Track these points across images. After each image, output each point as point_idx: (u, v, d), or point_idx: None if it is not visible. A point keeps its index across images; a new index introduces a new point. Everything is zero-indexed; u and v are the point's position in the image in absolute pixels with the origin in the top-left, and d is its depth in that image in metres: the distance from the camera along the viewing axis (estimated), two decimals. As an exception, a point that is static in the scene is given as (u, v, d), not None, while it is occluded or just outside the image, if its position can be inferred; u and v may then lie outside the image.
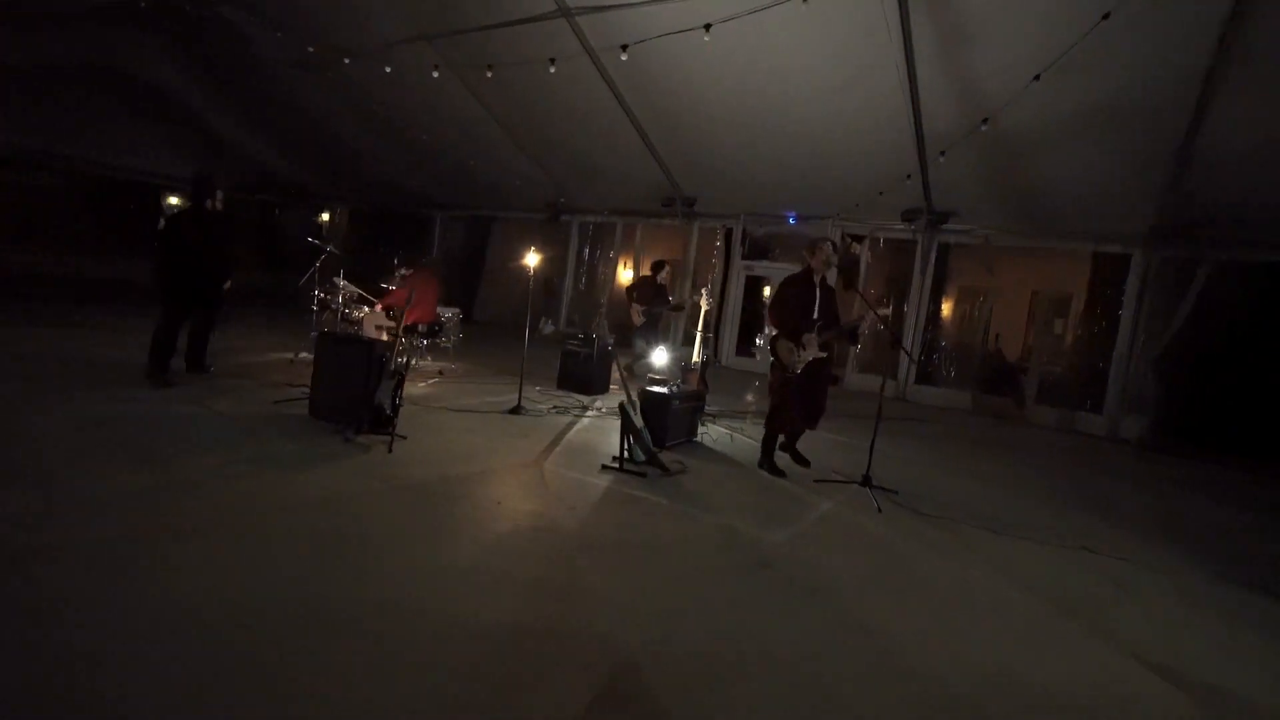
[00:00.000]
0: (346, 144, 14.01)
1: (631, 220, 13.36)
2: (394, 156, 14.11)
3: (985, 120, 7.85)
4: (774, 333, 5.10)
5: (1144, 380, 8.99)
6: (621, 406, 4.92)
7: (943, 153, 8.51)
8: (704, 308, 6.91)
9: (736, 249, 12.36)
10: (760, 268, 12.45)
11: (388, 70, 9.89)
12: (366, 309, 7.57)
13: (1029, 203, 9.55)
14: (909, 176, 9.28)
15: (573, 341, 7.67)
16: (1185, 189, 8.26)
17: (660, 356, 6.88)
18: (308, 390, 5.58)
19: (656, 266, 8.72)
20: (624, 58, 8.44)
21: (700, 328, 6.95)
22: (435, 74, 9.75)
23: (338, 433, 4.84)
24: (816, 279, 5.18)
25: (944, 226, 10.28)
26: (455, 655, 2.41)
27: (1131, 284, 9.18)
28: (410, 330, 7.48)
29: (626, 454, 4.87)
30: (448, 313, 8.22)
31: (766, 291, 13.48)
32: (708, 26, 7.71)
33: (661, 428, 5.49)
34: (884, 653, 2.80)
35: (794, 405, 5.06)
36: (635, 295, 8.60)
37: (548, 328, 14.19)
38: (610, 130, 11.08)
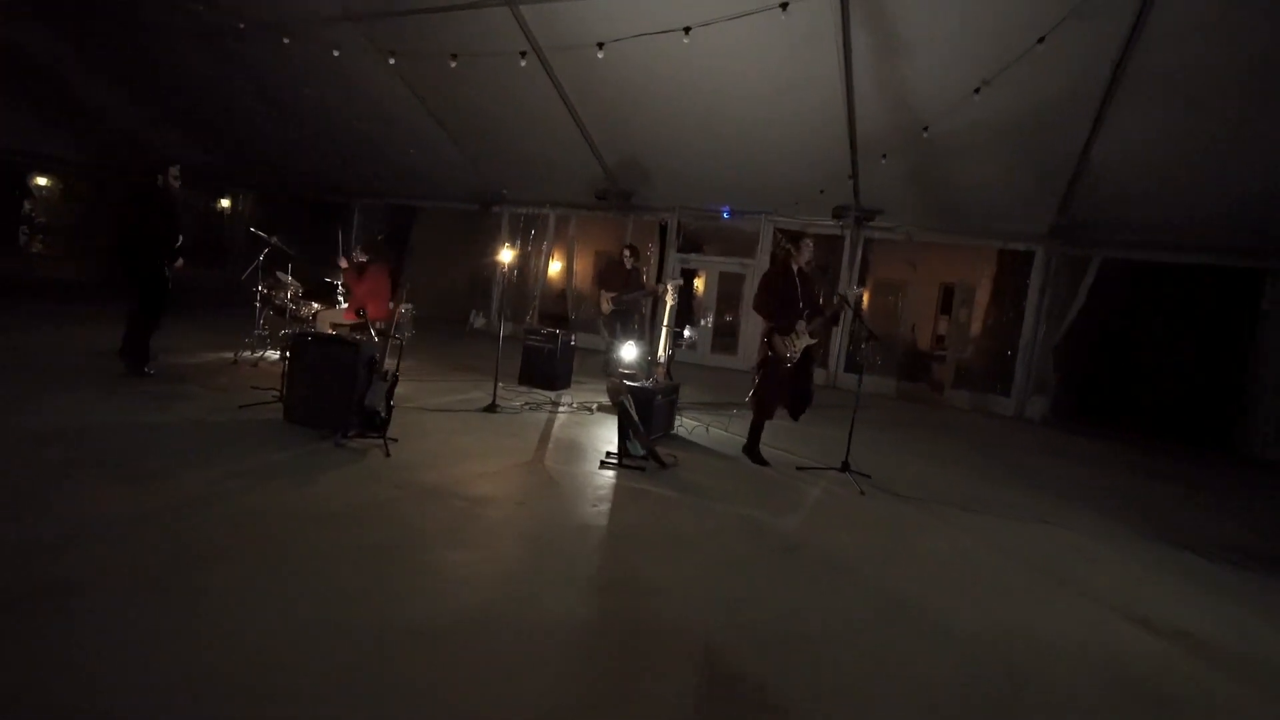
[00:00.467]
0: (253, 125, 13.11)
1: (565, 212, 13.30)
2: (309, 140, 13.33)
3: (926, 128, 8.43)
4: (766, 325, 5.32)
5: (1046, 365, 10.00)
6: (621, 403, 5.01)
7: (884, 156, 9.06)
8: (669, 301, 7.07)
9: (672, 242, 12.59)
10: (695, 261, 12.76)
11: (336, 54, 9.36)
12: (316, 305, 7.20)
13: (946, 203, 10.34)
14: (851, 177, 9.83)
15: (535, 337, 7.63)
16: (1080, 195, 9.23)
17: (630, 351, 6.99)
18: (277, 393, 5.32)
19: (632, 252, 8.72)
20: (582, 59, 8.44)
21: (666, 321, 7.10)
22: (336, 53, 9.33)
23: (324, 438, 4.66)
24: (795, 269, 5.45)
25: (870, 224, 10.92)
26: (549, 656, 2.47)
27: (1035, 278, 10.16)
28: (364, 328, 7.18)
29: (623, 448, 4.98)
30: (402, 306, 7.93)
31: (698, 285, 13.89)
32: (688, 30, 7.84)
33: (645, 422, 5.62)
34: (921, 617, 3.09)
35: (781, 396, 5.33)
36: (603, 283, 8.60)
37: (478, 321, 13.94)
38: (547, 121, 11.00)
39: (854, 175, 10.14)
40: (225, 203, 16.02)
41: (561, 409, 6.69)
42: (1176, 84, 7.54)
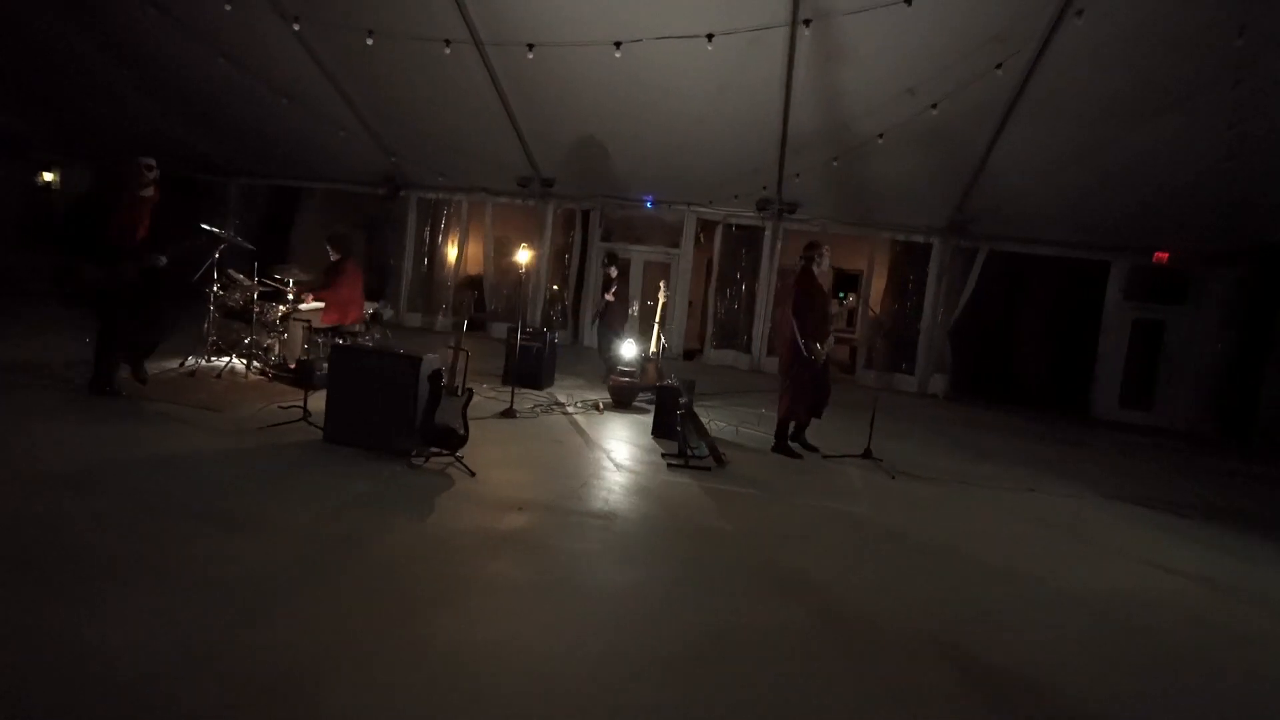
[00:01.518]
0: (97, 88, 11.22)
1: (481, 198, 12.78)
2: (175, 109, 11.65)
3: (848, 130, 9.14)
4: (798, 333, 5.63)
5: (944, 345, 11.34)
6: (688, 406, 5.13)
7: (798, 175, 9.81)
8: (662, 299, 7.20)
9: (595, 230, 12.58)
10: (621, 250, 12.83)
11: (228, 8, 8.23)
12: (282, 307, 6.48)
13: (858, 198, 11.27)
14: (798, 175, 10.41)
15: (525, 335, 7.39)
16: (974, 195, 10.52)
17: (629, 349, 7.04)
18: (299, 409, 4.84)
19: (611, 261, 8.86)
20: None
21: (658, 319, 7.23)
22: (228, 7, 8.37)
23: (380, 458, 4.34)
24: (818, 277, 5.84)
25: (791, 215, 11.65)
26: (831, 658, 2.63)
27: (933, 267, 11.44)
28: (338, 332, 6.60)
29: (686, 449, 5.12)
30: (372, 306, 7.33)
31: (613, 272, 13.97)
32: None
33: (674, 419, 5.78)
34: (1039, 586, 3.62)
35: (808, 396, 5.70)
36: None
37: (386, 313, 13.05)
38: (469, 104, 10.54)
39: (779, 169, 10.76)
40: (48, 176, 13.52)
41: (570, 409, 6.59)
42: (1065, 103, 8.80)
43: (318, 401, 4.94)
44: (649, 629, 2.70)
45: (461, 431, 4.36)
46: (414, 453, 4.41)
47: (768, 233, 11.96)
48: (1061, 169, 9.69)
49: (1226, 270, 10.40)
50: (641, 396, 6.90)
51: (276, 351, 6.58)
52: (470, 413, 5.96)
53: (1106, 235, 10.62)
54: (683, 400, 5.21)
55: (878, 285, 12.81)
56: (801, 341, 5.57)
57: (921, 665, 2.67)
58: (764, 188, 10.79)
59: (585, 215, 12.59)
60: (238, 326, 6.60)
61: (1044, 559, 4.07)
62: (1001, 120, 9.16)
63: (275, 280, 6.82)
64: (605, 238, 12.64)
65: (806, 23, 8.03)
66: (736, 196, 11.27)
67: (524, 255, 6.28)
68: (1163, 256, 10.56)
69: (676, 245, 12.49)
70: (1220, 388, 10.42)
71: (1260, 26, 6.82)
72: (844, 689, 2.45)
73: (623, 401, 6.83)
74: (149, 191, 5.10)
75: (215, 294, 6.40)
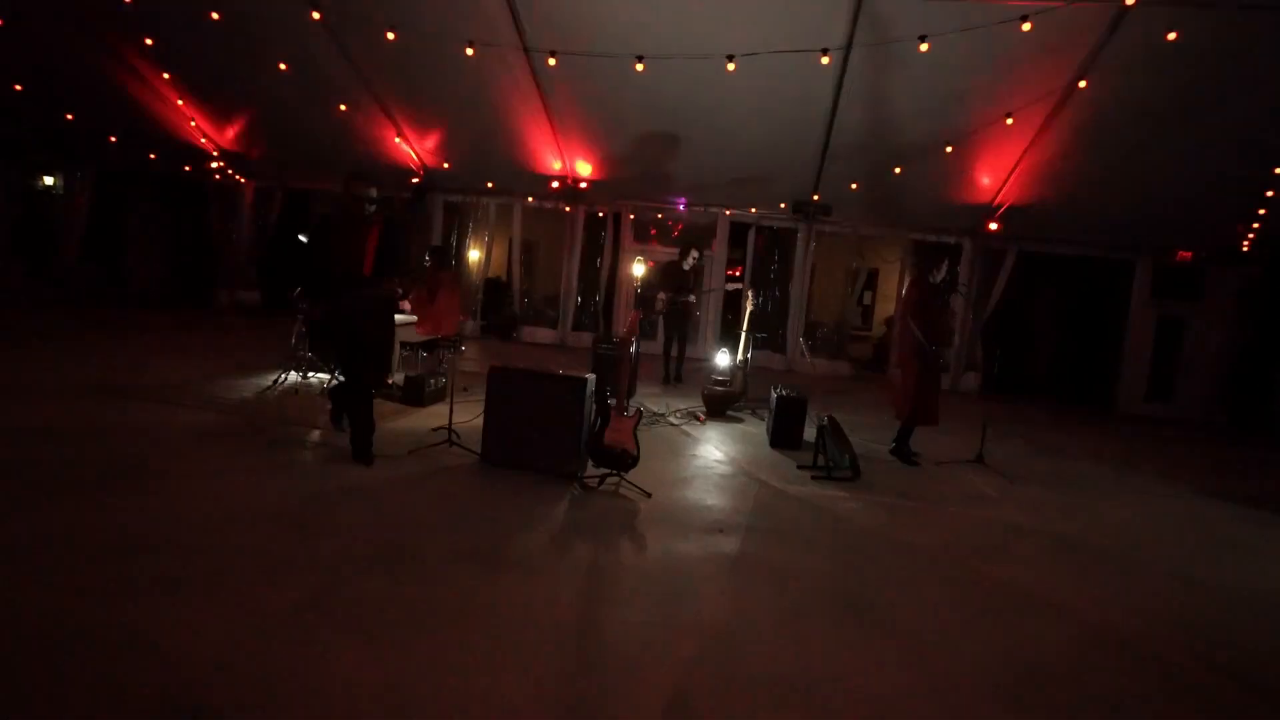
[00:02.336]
0: (102, 87, 10.71)
1: (508, 201, 12.61)
2: (177, 106, 11.20)
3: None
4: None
5: (975, 343, 11.66)
6: (831, 419, 5.19)
7: (854, 185, 9.98)
8: (749, 306, 7.24)
9: (626, 233, 12.53)
10: (652, 253, 12.81)
11: None
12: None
13: (891, 200, 11.48)
14: (854, 185, 10.56)
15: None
16: (1004, 197, 10.82)
17: (724, 358, 7.07)
18: (445, 432, 4.75)
19: (684, 251, 8.58)
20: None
21: (745, 325, 7.26)
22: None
23: (548, 480, 4.31)
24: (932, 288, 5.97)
25: (826, 219, 11.79)
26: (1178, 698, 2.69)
27: (963, 268, 11.73)
28: (434, 345, 6.48)
29: (823, 460, 5.18)
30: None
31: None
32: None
33: (800, 428, 5.86)
34: (1220, 589, 3.76)
35: (932, 400, 5.83)
36: (661, 284, 8.47)
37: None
38: (503, 105, 10.41)
39: (818, 172, 10.90)
40: (49, 180, 12.85)
41: (672, 419, 6.58)
42: (1100, 112, 9.06)
43: (427, 418, 4.89)
44: (954, 659, 2.74)
45: (635, 452, 4.33)
46: (581, 474, 4.38)
47: (800, 235, 12.09)
48: (1091, 174, 10.02)
49: (1241, 268, 10.93)
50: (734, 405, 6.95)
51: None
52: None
53: (1131, 236, 11.04)
54: (831, 416, 5.27)
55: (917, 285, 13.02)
56: (920, 350, 5.69)
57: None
58: (815, 196, 10.91)
59: (616, 218, 12.52)
60: (328, 342, 6.40)
61: (1201, 560, 4.23)
62: (1039, 129, 9.47)
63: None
64: (636, 239, 12.59)
65: (831, 51, 8.19)
66: (784, 205, 11.37)
67: (639, 269, 6.20)
68: (1186, 255, 11.03)
69: (710, 249, 12.53)
70: (1234, 380, 10.96)
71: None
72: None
73: (717, 410, 6.86)
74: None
75: (305, 308, 6.21)
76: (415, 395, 5.86)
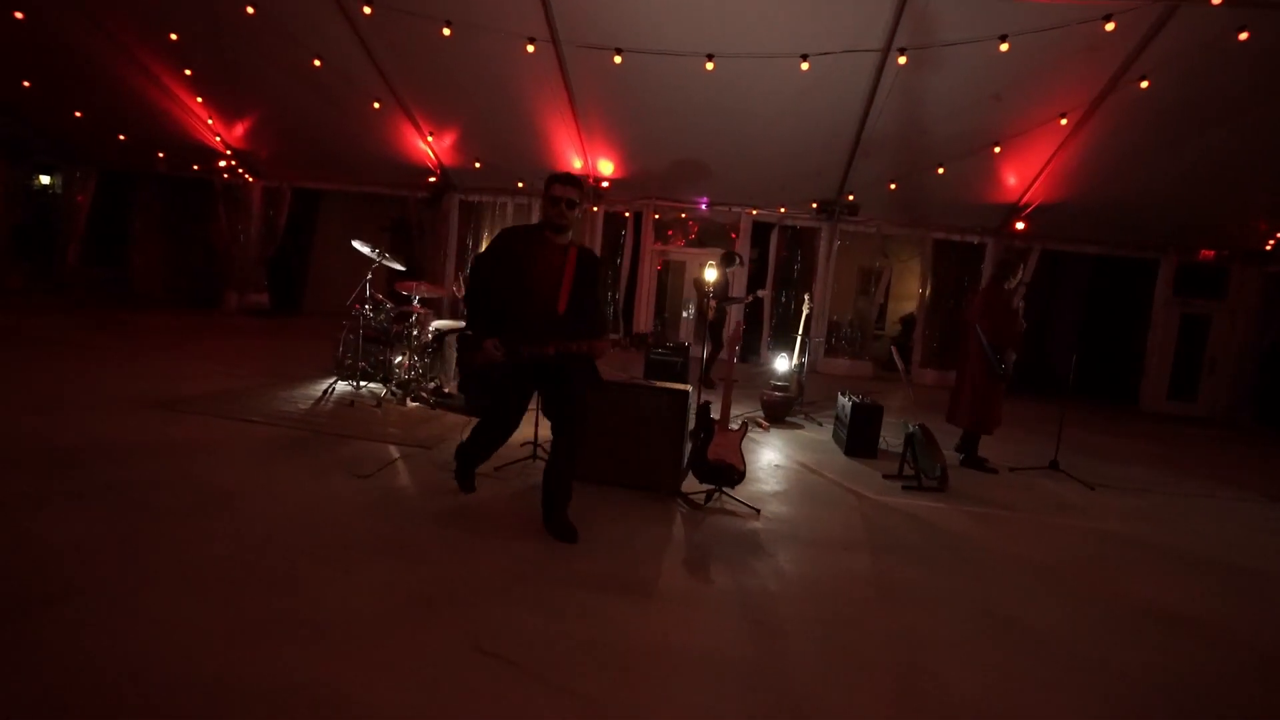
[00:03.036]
0: (103, 82, 10.31)
1: (526, 201, 12.37)
2: (179, 101, 10.82)
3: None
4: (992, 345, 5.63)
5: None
6: (922, 428, 5.06)
7: (893, 184, 9.89)
8: (805, 309, 7.10)
9: (647, 234, 12.36)
10: (675, 253, 12.68)
11: None
12: (437, 324, 6.10)
13: (917, 200, 11.41)
14: (893, 184, 10.46)
15: (660, 351, 7.17)
16: (1030, 197, 10.80)
17: (783, 363, 6.92)
18: (531, 447, 4.55)
19: (728, 259, 8.56)
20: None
21: (801, 330, 7.13)
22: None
23: (650, 498, 4.14)
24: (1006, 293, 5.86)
25: (853, 218, 11.70)
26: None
27: (986, 267, 11.70)
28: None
29: (910, 469, 5.06)
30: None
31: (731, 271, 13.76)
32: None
33: (877, 436, 5.74)
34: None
35: (999, 408, 5.73)
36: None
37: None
38: (527, 102, 10.20)
39: (845, 171, 10.80)
40: (46, 180, 12.38)
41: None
42: (1128, 114, 9.00)
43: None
44: (1129, 685, 2.62)
45: (741, 467, 4.17)
46: (687, 491, 4.21)
47: (824, 234, 12.00)
48: (1118, 173, 10.01)
49: (1265, 267, 11.01)
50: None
51: (405, 372, 6.15)
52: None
53: (1154, 235, 11.08)
54: (922, 426, 5.14)
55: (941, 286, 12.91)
56: (994, 355, 5.59)
57: None
58: (850, 196, 10.83)
59: (638, 217, 12.34)
60: (377, 350, 6.17)
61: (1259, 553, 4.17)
62: (1066, 134, 9.44)
63: (405, 296, 6.42)
64: (657, 240, 12.44)
65: (902, 51, 8.10)
66: (816, 204, 11.29)
67: (711, 273, 6.02)
68: (1209, 254, 11.10)
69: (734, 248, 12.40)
70: (1259, 379, 11.04)
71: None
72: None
73: (777, 416, 6.72)
74: (563, 218, 3.41)
75: (364, 317, 5.97)
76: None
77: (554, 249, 3.42)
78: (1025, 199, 10.85)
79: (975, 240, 11.81)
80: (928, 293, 12.19)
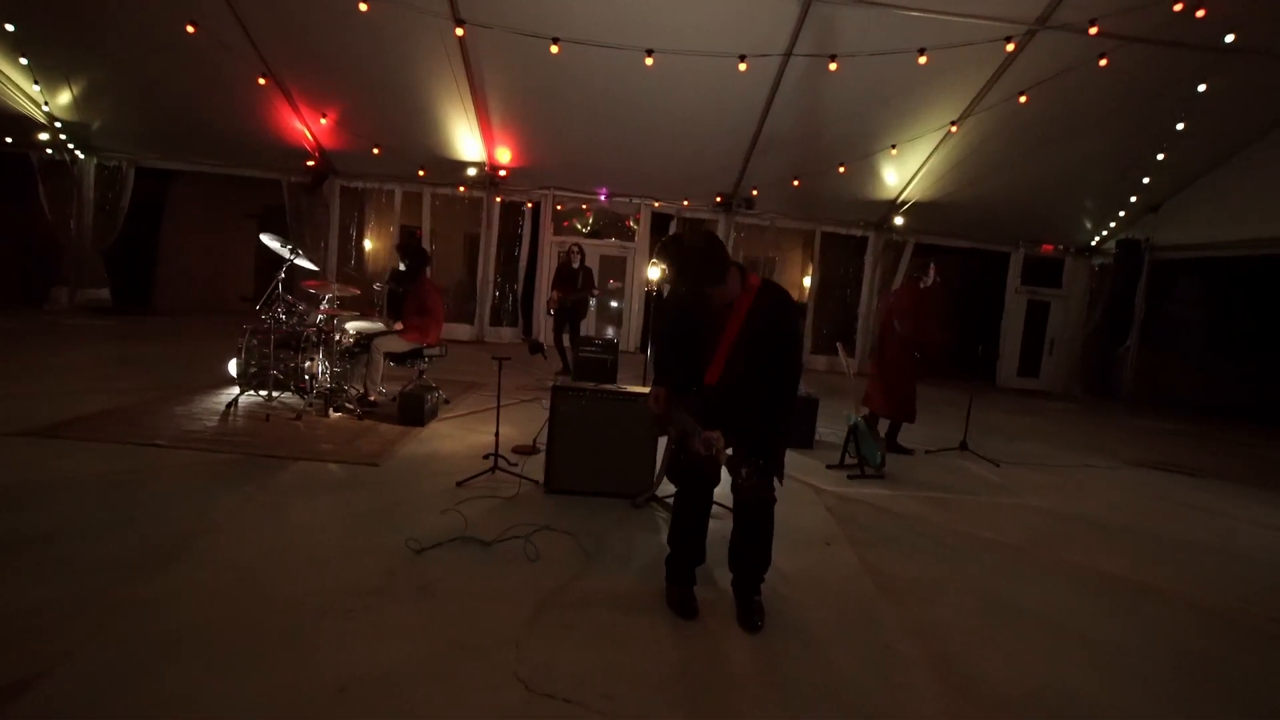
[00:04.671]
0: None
1: (416, 188, 11.63)
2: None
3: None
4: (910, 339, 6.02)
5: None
6: (864, 419, 5.29)
7: (796, 181, 10.28)
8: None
9: (546, 224, 12.06)
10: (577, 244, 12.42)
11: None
12: (353, 327, 5.56)
13: (808, 195, 11.98)
14: (795, 181, 10.75)
15: (590, 347, 6.96)
16: (907, 196, 11.70)
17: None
18: (493, 458, 4.30)
19: (579, 252, 8.73)
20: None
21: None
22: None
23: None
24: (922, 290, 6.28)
25: (749, 211, 12.07)
26: None
27: (869, 258, 12.54)
28: (418, 355, 5.82)
29: (852, 459, 5.31)
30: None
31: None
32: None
33: (814, 428, 5.98)
34: (1230, 559, 4.33)
35: (914, 397, 6.16)
36: (553, 283, 8.86)
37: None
38: (422, 87, 9.62)
39: (743, 166, 11.12)
40: None
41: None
42: (992, 125, 9.97)
43: (432, 440, 4.41)
44: (1126, 653, 2.90)
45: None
46: (649, 497, 4.15)
47: (721, 226, 12.29)
48: (982, 176, 11.05)
49: (1089, 259, 12.66)
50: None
51: (320, 379, 5.57)
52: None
53: (1008, 231, 12.39)
54: (865, 417, 5.38)
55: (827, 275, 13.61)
56: (913, 352, 6.00)
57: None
58: (755, 191, 11.11)
59: (537, 207, 12.00)
60: (288, 357, 5.55)
61: (1205, 532, 4.80)
62: (937, 141, 10.31)
63: (329, 296, 5.82)
64: (557, 231, 12.17)
65: (834, 57, 8.43)
66: (720, 198, 11.46)
67: (654, 272, 5.91)
68: (1049, 248, 12.58)
69: (631, 239, 12.41)
70: (1088, 357, 12.71)
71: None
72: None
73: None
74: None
75: (276, 321, 5.32)
76: (414, 415, 5.24)
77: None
78: (903, 197, 11.72)
79: (859, 234, 12.59)
80: (816, 282, 12.86)
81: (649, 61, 8.33)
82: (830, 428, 6.66)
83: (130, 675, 2.11)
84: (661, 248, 3.95)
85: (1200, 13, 6.96)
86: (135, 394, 5.47)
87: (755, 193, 11.48)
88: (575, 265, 8.75)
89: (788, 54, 8.73)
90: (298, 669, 2.22)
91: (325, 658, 2.30)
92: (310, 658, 2.29)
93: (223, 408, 5.19)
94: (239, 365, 5.44)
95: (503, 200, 11.82)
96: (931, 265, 6.33)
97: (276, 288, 5.36)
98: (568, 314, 8.70)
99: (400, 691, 2.17)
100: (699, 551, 3.03)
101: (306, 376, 5.46)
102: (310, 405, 5.36)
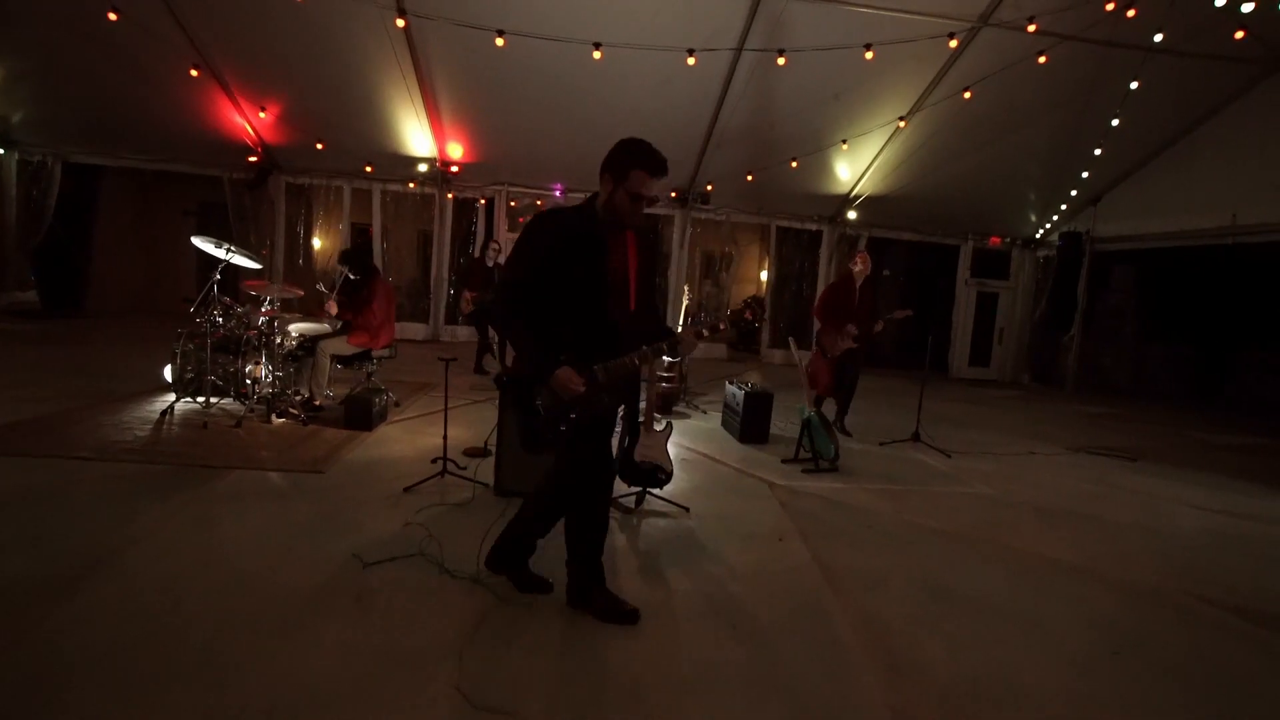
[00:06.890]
0: None
1: (365, 184, 11.34)
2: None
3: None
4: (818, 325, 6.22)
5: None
6: (817, 413, 5.32)
7: (750, 176, 10.33)
8: (684, 301, 7.22)
9: (501, 220, 11.89)
10: (496, 242, 12.28)
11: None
12: (296, 330, 5.38)
13: (762, 190, 12.05)
14: (750, 176, 10.76)
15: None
16: (860, 190, 11.86)
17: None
18: (441, 462, 4.20)
19: (498, 249, 8.53)
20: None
21: (683, 319, 7.23)
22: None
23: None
24: (857, 284, 6.39)
25: (704, 206, 12.08)
26: None
27: (824, 251, 12.69)
28: (366, 357, 5.66)
29: (806, 452, 5.35)
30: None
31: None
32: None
33: (768, 422, 6.00)
34: (1173, 538, 4.48)
35: (831, 380, 6.31)
36: (465, 282, 8.63)
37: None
38: (367, 76, 9.37)
39: (698, 161, 11.13)
40: None
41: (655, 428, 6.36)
42: (939, 121, 10.16)
43: (380, 444, 4.29)
44: (1059, 632, 2.97)
45: (669, 468, 4.14)
46: (615, 496, 4.11)
47: (677, 221, 12.29)
48: (932, 170, 11.27)
49: (1034, 251, 13.03)
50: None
51: (263, 383, 5.38)
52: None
53: (957, 224, 12.67)
54: (819, 411, 5.42)
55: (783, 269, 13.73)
56: (818, 337, 6.20)
57: None
58: (710, 186, 11.12)
59: (490, 203, 11.81)
60: (227, 361, 5.33)
61: (1146, 513, 4.96)
62: (887, 137, 10.48)
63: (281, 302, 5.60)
64: (512, 229, 12.00)
65: (780, 51, 8.46)
66: (675, 193, 11.43)
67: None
68: (996, 241, 12.90)
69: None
70: (1034, 346, 13.10)
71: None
72: None
73: (666, 408, 6.80)
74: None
75: (212, 324, 5.10)
76: (362, 418, 5.08)
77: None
78: (855, 191, 11.88)
79: (814, 228, 12.73)
80: (773, 276, 12.96)
81: (597, 55, 8.21)
82: (785, 421, 6.71)
83: (26, 707, 1.97)
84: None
85: (1131, 12, 7.18)
86: (58, 401, 5.20)
87: (710, 188, 11.50)
88: (490, 264, 8.50)
89: (739, 49, 8.76)
90: (220, 691, 2.11)
91: (252, 678, 2.19)
92: (235, 679, 2.18)
93: (156, 416, 4.95)
94: (174, 370, 5.20)
95: (455, 196, 11.61)
96: (859, 255, 6.47)
97: (212, 289, 5.13)
98: (486, 315, 8.38)
99: (334, 711, 2.08)
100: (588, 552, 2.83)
101: (248, 381, 5.25)
102: (251, 411, 5.16)
